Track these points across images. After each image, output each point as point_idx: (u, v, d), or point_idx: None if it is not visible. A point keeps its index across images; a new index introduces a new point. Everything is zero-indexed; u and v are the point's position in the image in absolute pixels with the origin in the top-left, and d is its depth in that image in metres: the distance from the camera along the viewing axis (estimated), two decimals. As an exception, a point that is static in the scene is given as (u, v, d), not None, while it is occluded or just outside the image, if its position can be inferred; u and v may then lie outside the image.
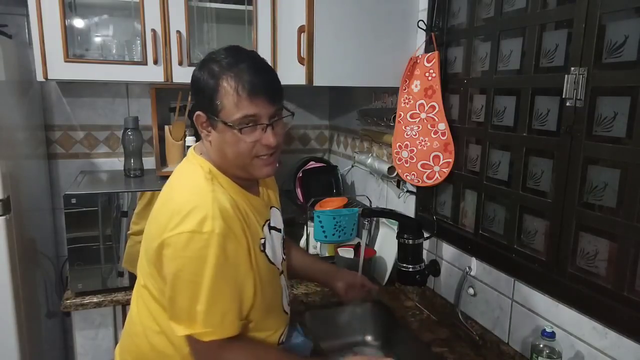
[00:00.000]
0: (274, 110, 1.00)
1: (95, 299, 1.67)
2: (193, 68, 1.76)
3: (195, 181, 1.02)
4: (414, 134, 1.59)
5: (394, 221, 1.73)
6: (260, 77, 0.98)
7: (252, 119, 0.98)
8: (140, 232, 1.67)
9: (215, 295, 0.95)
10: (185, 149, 1.99)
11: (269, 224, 1.14)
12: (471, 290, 1.43)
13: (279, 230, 1.19)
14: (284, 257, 1.23)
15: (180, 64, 1.83)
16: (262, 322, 1.09)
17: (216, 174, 1.05)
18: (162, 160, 2.02)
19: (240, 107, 0.96)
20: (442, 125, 1.50)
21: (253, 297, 1.04)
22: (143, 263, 1.09)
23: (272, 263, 1.11)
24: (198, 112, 1.02)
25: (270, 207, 1.19)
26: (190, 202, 0.96)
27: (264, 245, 1.08)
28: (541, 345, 1.08)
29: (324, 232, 1.86)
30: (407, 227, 1.45)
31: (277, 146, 1.03)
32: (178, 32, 1.81)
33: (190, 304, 0.95)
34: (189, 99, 1.97)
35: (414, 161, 1.59)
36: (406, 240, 1.45)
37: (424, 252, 1.56)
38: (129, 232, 1.71)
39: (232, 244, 0.96)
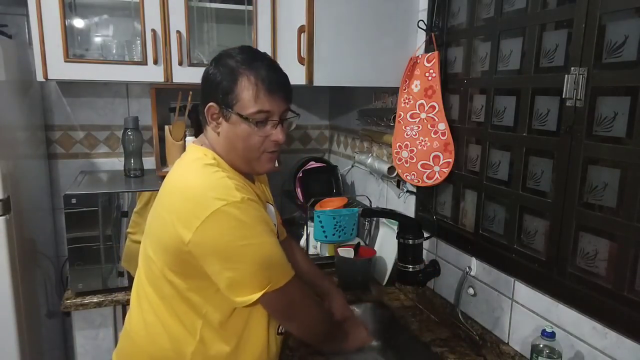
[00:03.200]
0: (286, 109, 1.08)
1: (95, 299, 1.67)
2: (193, 68, 1.84)
3: (202, 166, 1.05)
4: (414, 134, 1.59)
5: (394, 221, 1.72)
6: (278, 76, 1.05)
7: (266, 115, 1.03)
8: (139, 232, 1.68)
9: (270, 247, 1.01)
10: (185, 149, 1.99)
11: None
12: (471, 290, 1.43)
13: (274, 225, 1.21)
14: None
15: (180, 64, 1.83)
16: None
17: (220, 161, 1.08)
18: (162, 160, 2.02)
19: (257, 102, 1.02)
20: (442, 125, 1.50)
21: None
22: (154, 263, 1.07)
23: None
24: (210, 103, 1.05)
25: (266, 203, 1.21)
26: (207, 184, 1.00)
27: None
28: (541, 345, 1.08)
29: (324, 232, 1.86)
30: (407, 227, 1.46)
31: (282, 144, 1.09)
32: (178, 32, 1.81)
33: (253, 266, 0.99)
34: (189, 99, 1.97)
35: (414, 161, 1.59)
36: (406, 240, 1.45)
37: (424, 252, 1.56)
38: (127, 230, 1.71)
39: (259, 205, 1.03)
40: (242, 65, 1.02)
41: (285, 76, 1.08)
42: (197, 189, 0.99)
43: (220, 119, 1.05)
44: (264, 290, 0.99)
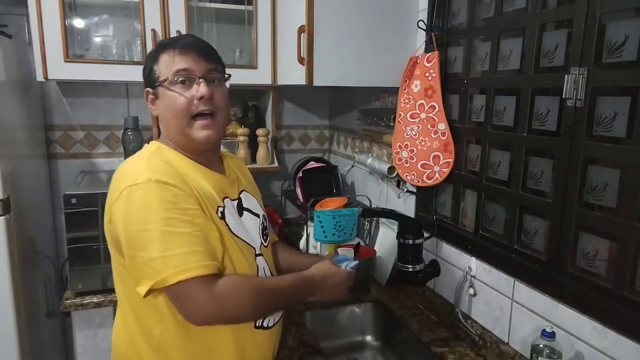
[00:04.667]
0: (208, 68, 1.06)
1: (95, 299, 1.67)
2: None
3: (135, 157, 1.06)
4: (414, 134, 1.59)
5: (394, 221, 1.73)
6: (194, 40, 1.09)
7: (184, 74, 1.03)
8: None
9: (169, 238, 0.92)
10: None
11: (238, 204, 1.14)
12: (471, 290, 1.43)
13: (256, 215, 1.19)
14: (264, 243, 1.20)
15: (180, 64, 1.82)
16: None
17: (163, 148, 1.08)
18: (162, 160, 2.01)
19: (173, 65, 1.04)
20: (442, 125, 1.50)
21: (222, 257, 1.01)
22: (113, 257, 1.09)
23: (237, 236, 1.07)
24: (146, 89, 1.09)
25: (241, 191, 1.19)
26: (129, 168, 1.01)
27: (222, 213, 1.06)
28: (541, 345, 1.08)
29: (324, 232, 1.86)
30: (407, 227, 1.46)
31: (215, 106, 1.06)
32: (178, 32, 1.81)
33: (147, 254, 0.92)
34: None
35: (414, 161, 1.59)
36: (406, 240, 1.45)
37: (424, 252, 1.56)
38: None
39: (174, 190, 0.96)
40: (164, 44, 1.07)
41: (204, 41, 1.10)
42: (119, 174, 1.01)
43: (155, 100, 1.08)
44: (152, 283, 0.91)
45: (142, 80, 1.80)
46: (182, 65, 1.03)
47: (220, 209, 1.06)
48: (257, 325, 1.09)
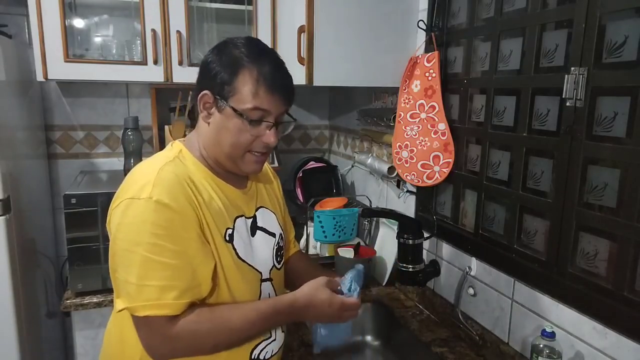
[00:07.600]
0: (283, 111, 1.01)
1: (95, 299, 1.67)
2: (193, 68, 1.84)
3: (153, 160, 1.00)
4: (414, 134, 1.59)
5: (394, 221, 1.72)
6: (282, 76, 0.99)
7: (262, 113, 0.96)
8: None
9: (150, 266, 0.88)
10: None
11: (252, 222, 1.08)
12: (471, 290, 1.43)
13: (271, 234, 1.13)
14: (277, 265, 1.13)
15: (180, 64, 1.83)
16: None
17: (185, 155, 1.01)
18: (162, 160, 2.01)
19: (255, 98, 0.95)
20: (442, 125, 1.50)
21: (213, 287, 0.97)
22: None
23: (244, 261, 1.02)
24: (205, 92, 0.97)
25: (259, 207, 1.12)
26: (140, 174, 0.95)
27: (231, 236, 1.00)
28: (541, 345, 1.08)
29: (324, 232, 1.86)
30: (407, 227, 1.46)
31: (273, 147, 1.02)
32: (178, 32, 1.81)
33: (125, 275, 0.90)
34: (189, 99, 1.97)
35: (414, 161, 1.59)
36: (406, 240, 1.45)
37: (424, 252, 1.56)
38: None
39: (172, 214, 0.90)
40: (246, 58, 0.95)
41: (290, 77, 1.01)
42: (130, 177, 0.96)
43: (213, 109, 0.98)
44: (123, 307, 0.91)
45: (141, 80, 1.84)
46: (264, 106, 0.95)
47: (229, 231, 1.00)
48: (254, 357, 1.04)
